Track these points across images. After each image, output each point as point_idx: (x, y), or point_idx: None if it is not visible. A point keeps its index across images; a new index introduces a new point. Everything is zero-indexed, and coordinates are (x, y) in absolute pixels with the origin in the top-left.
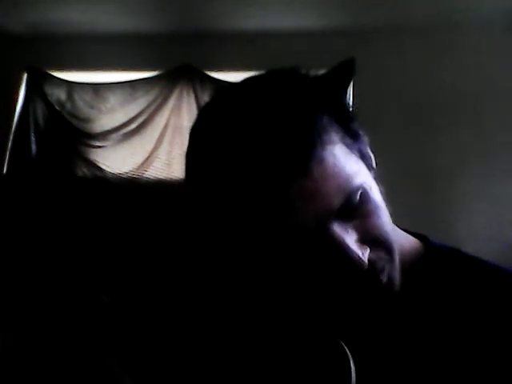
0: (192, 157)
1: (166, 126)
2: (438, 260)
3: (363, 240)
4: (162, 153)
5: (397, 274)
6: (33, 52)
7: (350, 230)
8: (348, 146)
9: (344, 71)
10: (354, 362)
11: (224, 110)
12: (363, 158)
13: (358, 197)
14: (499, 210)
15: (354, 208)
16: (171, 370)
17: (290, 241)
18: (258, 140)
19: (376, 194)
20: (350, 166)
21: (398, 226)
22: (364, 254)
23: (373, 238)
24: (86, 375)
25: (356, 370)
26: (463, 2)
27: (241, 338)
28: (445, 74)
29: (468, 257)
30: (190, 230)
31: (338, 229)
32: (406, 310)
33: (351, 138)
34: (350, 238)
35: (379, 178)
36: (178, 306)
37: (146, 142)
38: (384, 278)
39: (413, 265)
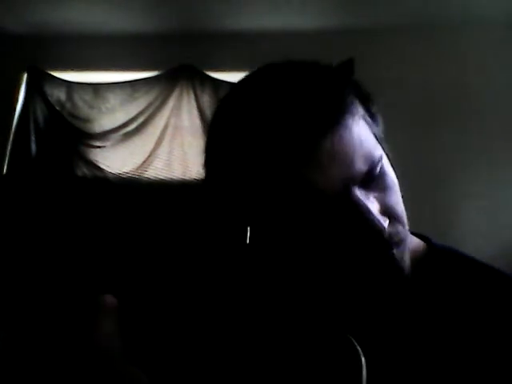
0: (220, 123)
1: (166, 126)
2: (439, 261)
3: (383, 212)
4: (162, 153)
5: (407, 258)
6: (33, 52)
7: (371, 199)
8: (368, 124)
9: (343, 71)
10: (365, 358)
11: (253, 84)
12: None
13: (378, 169)
14: (499, 210)
15: (375, 179)
16: (175, 368)
17: (311, 206)
18: (288, 99)
19: (392, 172)
20: (372, 139)
21: None
22: (385, 222)
23: (391, 212)
24: (88, 373)
25: (366, 365)
26: (464, 1)
27: (248, 335)
28: (445, 74)
29: (468, 258)
30: (190, 230)
31: (361, 195)
32: (411, 308)
33: (371, 118)
34: (372, 206)
35: None
36: (180, 305)
37: (146, 142)
38: (399, 255)
39: (416, 265)
